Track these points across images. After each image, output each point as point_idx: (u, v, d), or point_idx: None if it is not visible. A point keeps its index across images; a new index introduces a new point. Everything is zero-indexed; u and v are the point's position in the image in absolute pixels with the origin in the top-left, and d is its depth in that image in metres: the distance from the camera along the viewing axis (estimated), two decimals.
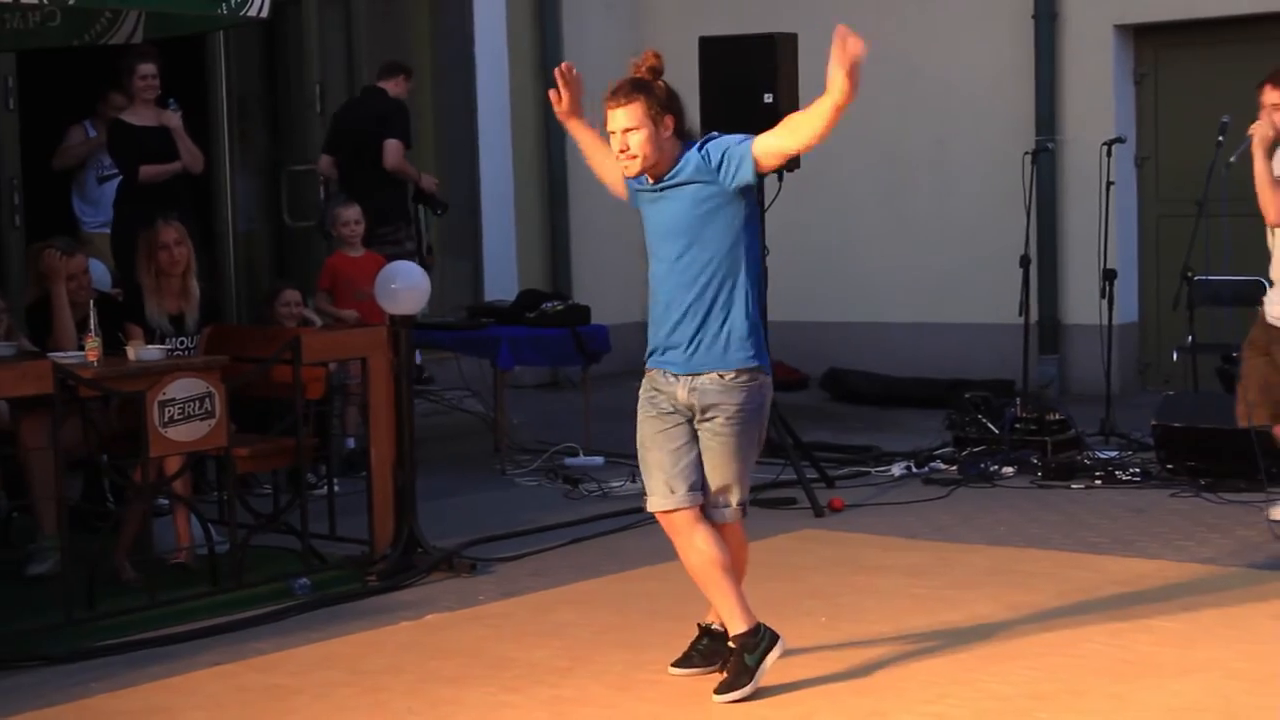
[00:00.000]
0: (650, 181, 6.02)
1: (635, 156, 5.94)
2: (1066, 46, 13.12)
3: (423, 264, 10.11)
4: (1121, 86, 13.06)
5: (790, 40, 9.73)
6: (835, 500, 9.19)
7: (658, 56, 6.06)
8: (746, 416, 5.93)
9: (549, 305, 11.13)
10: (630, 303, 15.04)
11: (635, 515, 8.97)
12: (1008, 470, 9.91)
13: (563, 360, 11.84)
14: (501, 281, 13.74)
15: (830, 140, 14.36)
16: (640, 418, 6.07)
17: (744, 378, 5.91)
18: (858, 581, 7.55)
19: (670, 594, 7.36)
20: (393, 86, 11.53)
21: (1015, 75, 13.20)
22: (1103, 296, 11.01)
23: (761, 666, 5.90)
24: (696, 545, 5.95)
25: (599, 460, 10.56)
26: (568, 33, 14.58)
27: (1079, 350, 12.86)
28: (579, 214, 14.70)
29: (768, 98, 9.46)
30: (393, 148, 11.27)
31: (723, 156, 5.91)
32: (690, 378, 5.93)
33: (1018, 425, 10.29)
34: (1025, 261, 11.04)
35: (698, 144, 6.01)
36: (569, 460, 10.61)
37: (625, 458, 10.51)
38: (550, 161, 14.56)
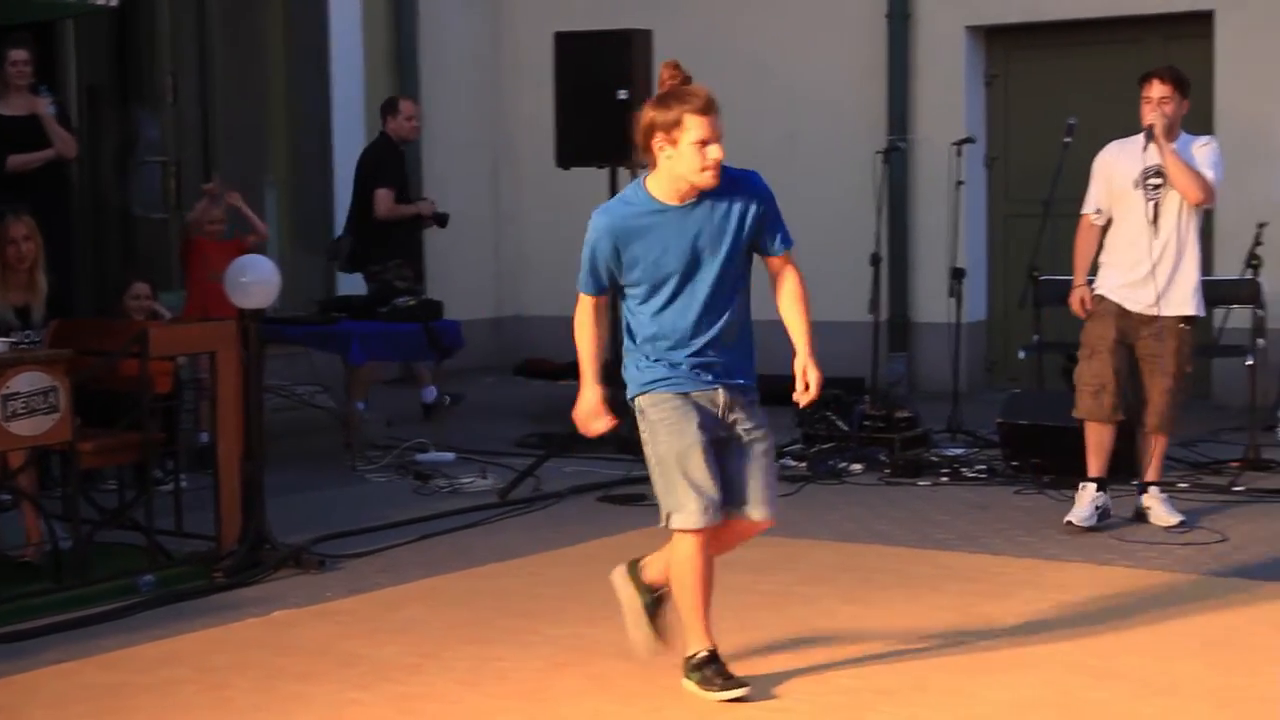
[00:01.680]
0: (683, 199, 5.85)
1: (721, 167, 5.82)
2: (919, 47, 13.27)
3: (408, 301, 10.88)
4: (972, 87, 13.23)
5: (645, 37, 9.77)
6: None
7: (677, 66, 5.92)
8: None
9: (401, 301, 11.08)
10: (483, 299, 15.06)
11: (486, 511, 9.00)
12: (856, 467, 10.01)
13: (415, 356, 11.78)
14: (354, 276, 13.66)
15: None
16: None
17: None
18: None
19: (518, 590, 7.38)
20: (392, 125, 11.66)
21: (868, 74, 13.33)
22: (951, 295, 11.12)
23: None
24: None
25: (450, 456, 10.54)
26: (424, 26, 14.54)
27: (928, 348, 13.01)
28: None
29: (622, 94, 9.50)
30: (380, 198, 11.60)
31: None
32: None
33: (866, 423, 10.40)
34: (876, 259, 11.15)
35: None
36: (420, 456, 10.58)
37: (477, 453, 10.53)
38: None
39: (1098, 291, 8.51)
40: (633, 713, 5.74)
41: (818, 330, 13.11)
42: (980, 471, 9.84)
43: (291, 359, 11.62)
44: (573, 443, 10.02)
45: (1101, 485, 8.53)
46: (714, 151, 5.74)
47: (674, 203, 5.83)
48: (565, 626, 6.78)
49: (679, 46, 13.96)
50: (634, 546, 8.23)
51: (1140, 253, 8.35)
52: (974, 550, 8.04)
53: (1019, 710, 5.67)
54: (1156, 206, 8.32)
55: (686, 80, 5.87)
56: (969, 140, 11.69)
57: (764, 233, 5.95)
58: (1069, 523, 8.44)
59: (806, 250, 13.47)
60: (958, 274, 11.12)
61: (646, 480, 9.16)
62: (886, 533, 8.45)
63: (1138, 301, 8.38)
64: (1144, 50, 12.72)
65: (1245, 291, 10.52)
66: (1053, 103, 12.63)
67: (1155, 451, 8.53)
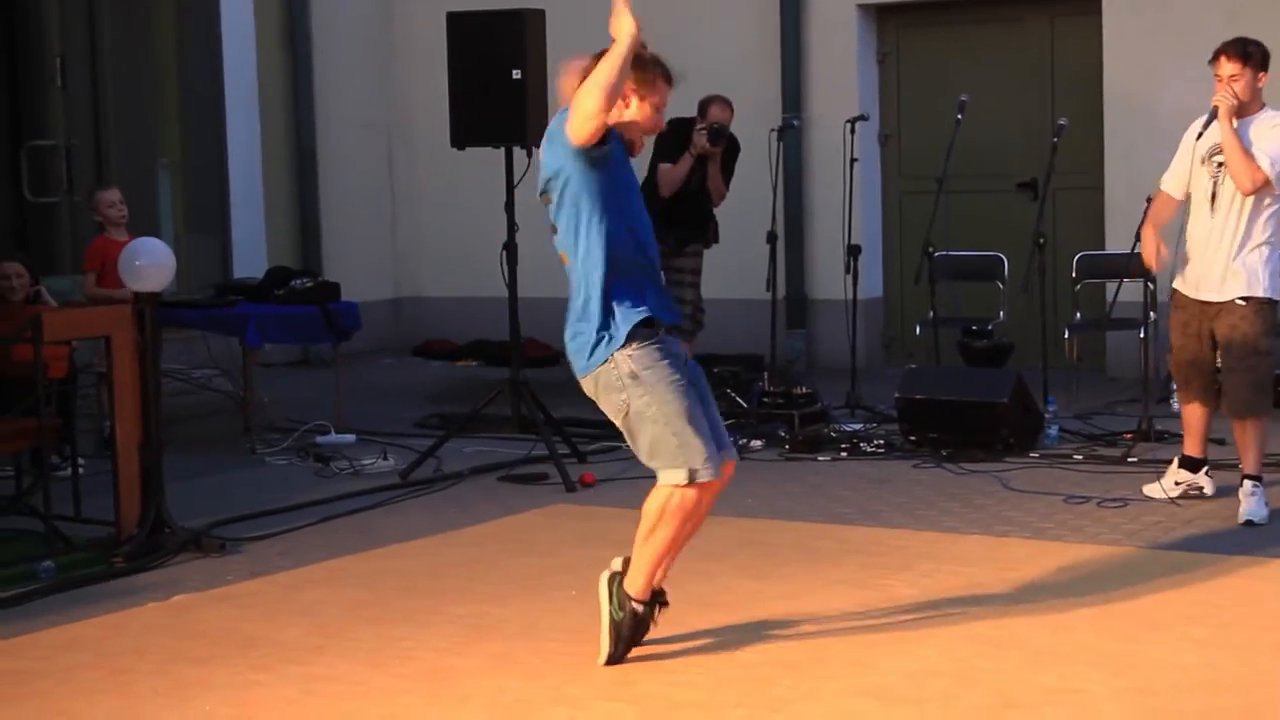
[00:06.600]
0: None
1: None
2: (811, 27, 13.31)
3: None
4: (865, 65, 13.29)
5: (538, 16, 9.77)
6: (586, 475, 9.24)
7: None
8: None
9: (298, 282, 11.04)
10: (381, 280, 15.01)
11: (387, 493, 8.99)
12: (756, 443, 10.05)
13: (312, 338, 11.76)
14: (250, 259, 13.60)
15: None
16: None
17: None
18: (608, 555, 7.56)
19: (421, 571, 7.38)
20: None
21: (762, 54, 13.36)
22: (847, 272, 11.18)
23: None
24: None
25: (351, 438, 10.51)
26: (316, 5, 14.46)
27: (826, 325, 13.07)
28: (329, 190, 14.59)
29: (516, 74, 9.49)
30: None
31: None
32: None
33: (765, 399, 10.46)
34: (772, 238, 11.20)
35: None
36: (320, 438, 10.54)
37: (377, 435, 10.51)
38: (299, 136, 14.44)
39: (1175, 283, 8.34)
40: (536, 690, 5.76)
41: (714, 307, 13.07)
42: (879, 446, 9.90)
43: (188, 343, 11.56)
44: (473, 423, 10.06)
45: (1188, 464, 8.38)
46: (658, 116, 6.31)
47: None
48: (468, 606, 6.78)
49: (573, 27, 14.03)
50: (536, 524, 8.31)
51: (1202, 234, 8.14)
52: (873, 524, 8.10)
53: (917, 680, 5.74)
54: (1216, 186, 8.04)
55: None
56: (862, 118, 11.76)
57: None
58: (1142, 490, 8.45)
59: None
60: (854, 251, 11.18)
61: (548, 459, 9.27)
62: (787, 508, 8.50)
63: (1197, 287, 8.17)
64: (1029, 28, 12.85)
65: (1136, 265, 10.60)
66: (943, 80, 12.73)
67: (1241, 440, 8.15)
